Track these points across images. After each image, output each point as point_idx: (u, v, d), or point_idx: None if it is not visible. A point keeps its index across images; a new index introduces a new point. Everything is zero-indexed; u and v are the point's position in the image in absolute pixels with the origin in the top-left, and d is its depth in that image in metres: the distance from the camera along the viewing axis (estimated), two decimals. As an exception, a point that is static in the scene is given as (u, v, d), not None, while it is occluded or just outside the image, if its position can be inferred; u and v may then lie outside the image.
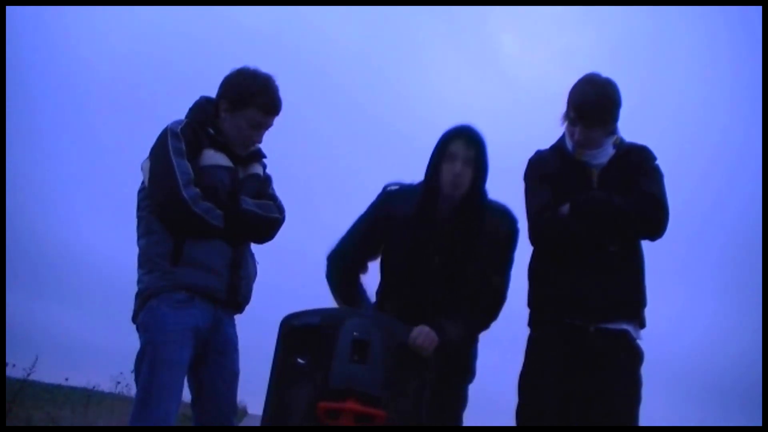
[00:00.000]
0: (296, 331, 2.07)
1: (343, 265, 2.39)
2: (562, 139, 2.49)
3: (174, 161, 2.25)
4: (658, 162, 2.43)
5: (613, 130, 2.43)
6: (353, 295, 2.38)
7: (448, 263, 2.28)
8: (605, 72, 2.40)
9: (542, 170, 2.45)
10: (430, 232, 2.28)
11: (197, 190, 2.26)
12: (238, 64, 2.48)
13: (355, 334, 2.01)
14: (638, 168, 2.39)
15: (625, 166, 2.40)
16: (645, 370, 2.31)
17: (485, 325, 2.34)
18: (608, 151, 2.42)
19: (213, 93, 2.52)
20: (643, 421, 2.30)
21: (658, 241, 2.38)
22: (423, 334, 2.10)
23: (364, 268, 2.43)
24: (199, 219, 2.24)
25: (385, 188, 2.40)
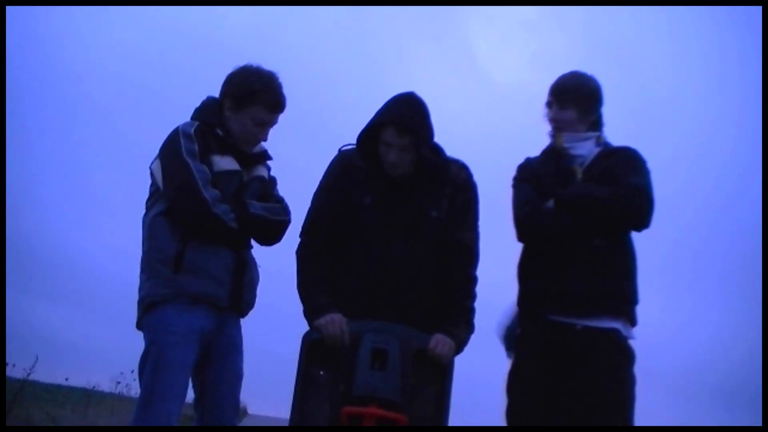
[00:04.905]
0: (317, 344, 2.12)
1: (319, 237, 2.30)
2: (550, 144, 2.53)
3: (190, 162, 2.24)
4: (646, 162, 2.42)
5: (595, 122, 2.48)
6: (323, 275, 2.25)
7: (411, 216, 2.25)
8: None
9: (528, 172, 2.48)
10: (390, 189, 2.28)
11: (217, 192, 2.26)
12: (225, 63, 2.48)
13: (374, 343, 2.06)
14: (624, 164, 2.39)
15: (610, 163, 2.40)
16: (652, 373, 2.29)
17: (472, 290, 2.28)
18: (591, 147, 2.44)
19: (203, 95, 2.48)
20: (648, 421, 2.27)
21: (668, 248, 2.38)
22: (441, 343, 2.13)
23: (334, 246, 2.31)
24: (218, 221, 2.23)
25: (339, 149, 2.38)
